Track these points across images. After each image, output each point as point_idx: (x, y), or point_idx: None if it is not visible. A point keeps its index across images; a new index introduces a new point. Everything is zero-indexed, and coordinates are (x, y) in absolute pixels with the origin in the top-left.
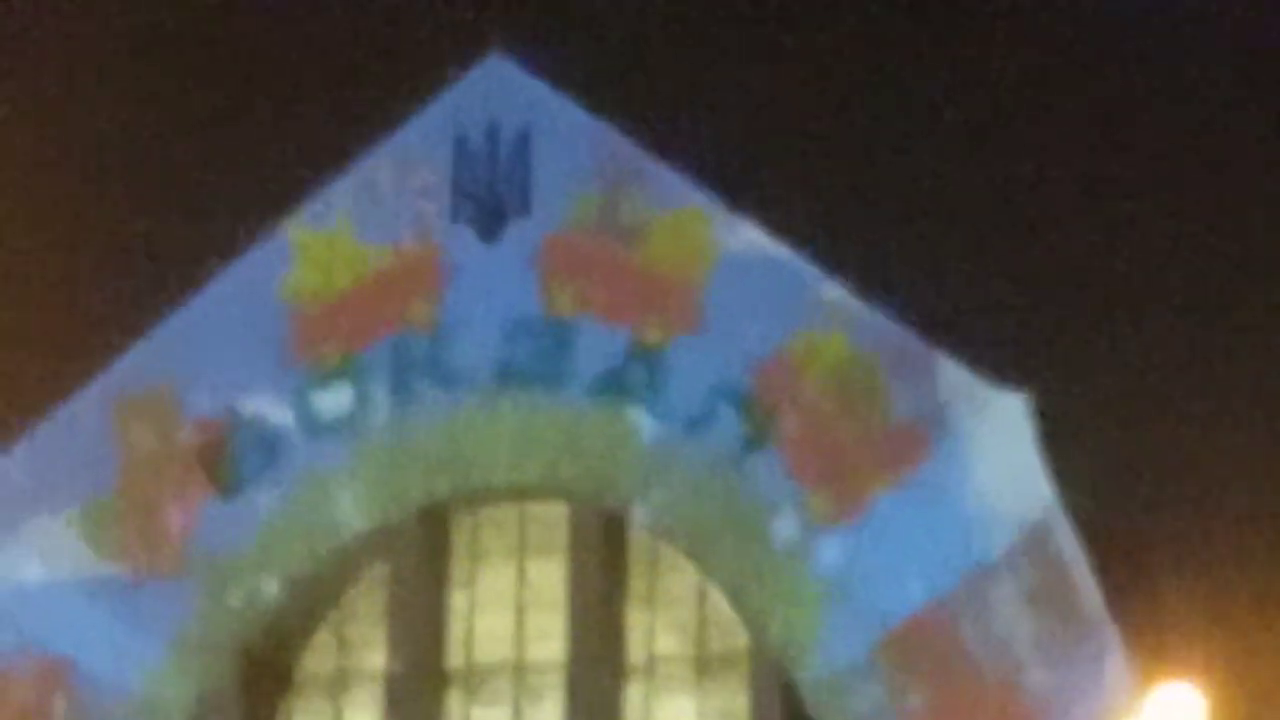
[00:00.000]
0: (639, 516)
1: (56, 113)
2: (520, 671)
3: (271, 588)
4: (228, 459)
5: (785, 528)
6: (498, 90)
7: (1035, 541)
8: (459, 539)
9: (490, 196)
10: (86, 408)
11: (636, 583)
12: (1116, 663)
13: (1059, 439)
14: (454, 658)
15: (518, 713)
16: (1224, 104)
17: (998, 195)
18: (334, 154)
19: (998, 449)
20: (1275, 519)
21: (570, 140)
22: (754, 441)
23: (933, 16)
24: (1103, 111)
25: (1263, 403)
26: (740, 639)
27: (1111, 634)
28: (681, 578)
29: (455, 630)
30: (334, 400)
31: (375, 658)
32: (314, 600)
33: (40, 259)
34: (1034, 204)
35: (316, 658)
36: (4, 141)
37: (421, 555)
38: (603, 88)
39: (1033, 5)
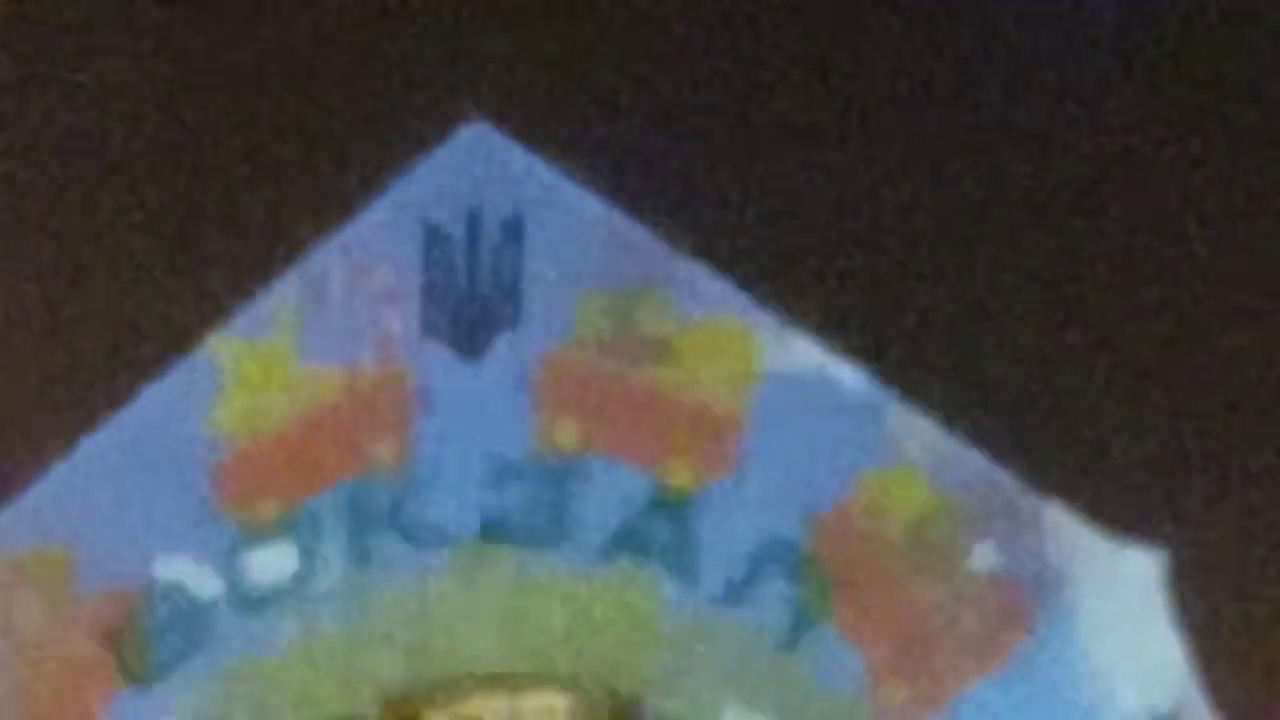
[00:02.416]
0: (663, 712)
1: None
2: None
3: None
4: (140, 641)
5: None
6: (479, 166)
7: None
8: None
9: (471, 303)
10: None
11: None
12: None
13: (1200, 609)
14: None
15: None
16: None
17: (1120, 302)
18: (273, 250)
19: (1121, 622)
20: None
21: (572, 229)
22: (809, 617)
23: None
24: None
25: None
26: None
27: None
28: None
29: None
30: (274, 564)
31: None
32: None
33: None
34: (1167, 320)
35: None
36: None
37: None
38: (613, 163)
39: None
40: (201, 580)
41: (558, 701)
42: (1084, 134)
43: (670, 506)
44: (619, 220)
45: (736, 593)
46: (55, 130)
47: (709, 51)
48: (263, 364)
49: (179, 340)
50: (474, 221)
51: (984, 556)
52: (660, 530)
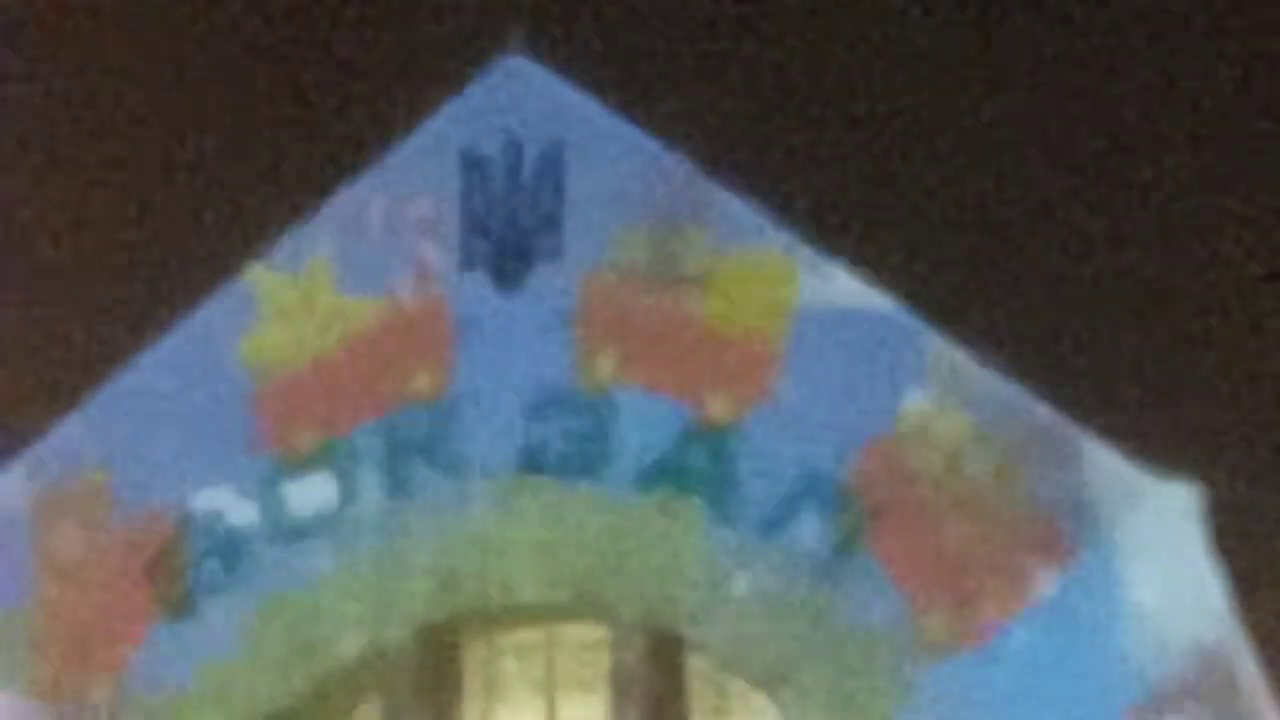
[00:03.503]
0: (700, 642)
1: None
2: None
3: None
4: (177, 569)
5: (886, 656)
6: (518, 97)
7: (1207, 672)
8: (471, 670)
9: (510, 233)
10: (7, 499)
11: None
12: None
13: (1238, 541)
14: None
15: None
16: None
17: (1165, 248)
18: (311, 181)
19: (1160, 556)
20: None
21: (612, 161)
22: (847, 547)
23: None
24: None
25: None
26: None
27: None
28: (755, 717)
29: None
30: (312, 494)
31: None
32: None
33: None
34: (1213, 264)
35: None
36: None
37: (423, 690)
38: (654, 94)
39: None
40: (239, 510)
41: (596, 633)
42: (1109, 78)
43: (708, 437)
44: (658, 152)
45: (774, 523)
46: (112, 75)
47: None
48: (301, 295)
49: (221, 272)
50: (513, 152)
51: (1022, 489)
52: (698, 461)
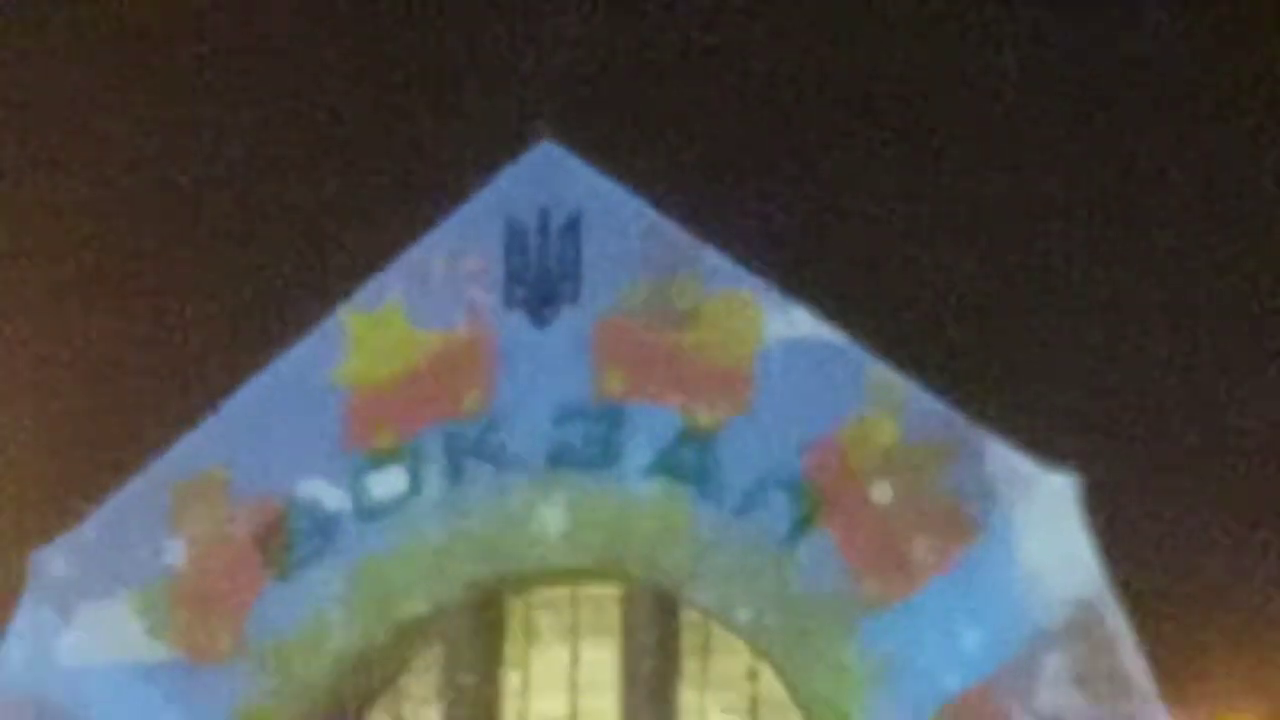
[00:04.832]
0: (691, 598)
1: (108, 199)
2: None
3: (328, 668)
4: (284, 542)
5: (836, 608)
6: (548, 176)
7: (1083, 620)
8: (512, 621)
9: (542, 282)
10: (142, 493)
11: (689, 663)
12: None
13: (1108, 516)
14: None
15: None
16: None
17: (1048, 282)
18: (386, 240)
19: (1046, 529)
20: None
21: (620, 225)
22: (805, 524)
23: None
24: (1141, 194)
25: None
26: (795, 718)
27: (1158, 709)
28: (734, 659)
29: (509, 711)
30: (388, 483)
31: None
32: (369, 682)
33: (90, 342)
34: (1081, 292)
35: None
36: (54, 247)
37: (475, 636)
38: (653, 172)
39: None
40: (332, 496)
41: (611, 590)
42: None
43: (697, 439)
44: (657, 219)
45: (748, 506)
46: (227, 143)
47: (734, 96)
48: (379, 329)
49: (317, 312)
50: (544, 218)
51: (940, 480)
52: (689, 457)
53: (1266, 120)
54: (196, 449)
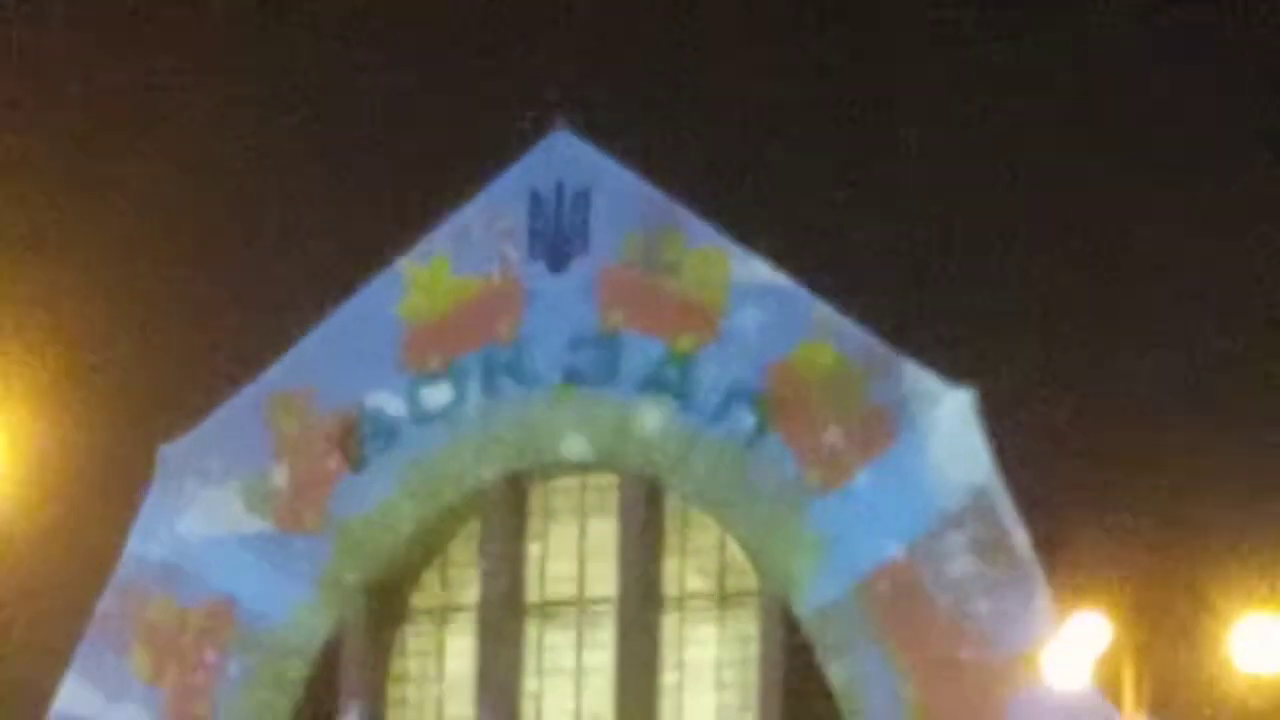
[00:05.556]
0: (674, 486)
1: (214, 173)
2: (582, 605)
3: (390, 540)
4: (356, 442)
5: (786, 495)
6: (563, 157)
7: (979, 504)
8: (535, 502)
9: (558, 239)
10: (247, 402)
11: (671, 536)
12: (1042, 598)
13: (1000, 423)
14: (531, 594)
15: (580, 638)
16: (1177, 119)
17: (959, 228)
18: (435, 206)
19: (950, 433)
20: (1165, 492)
21: (620, 195)
22: (763, 429)
23: (902, 75)
24: (1043, 131)
25: (1158, 390)
26: (752, 580)
27: (1038, 576)
28: (706, 532)
29: (532, 573)
30: (437, 396)
31: (470, 594)
32: (423, 549)
33: (210, 281)
34: (986, 235)
35: (425, 595)
36: (170, 192)
37: (506, 514)
38: (644, 151)
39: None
40: (393, 405)
41: (612, 479)
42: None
43: (678, 362)
44: (649, 192)
45: (719, 414)
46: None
47: (725, 85)
48: (430, 275)
49: (381, 262)
50: (559, 190)
51: (866, 394)
52: (672, 376)
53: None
54: (289, 368)
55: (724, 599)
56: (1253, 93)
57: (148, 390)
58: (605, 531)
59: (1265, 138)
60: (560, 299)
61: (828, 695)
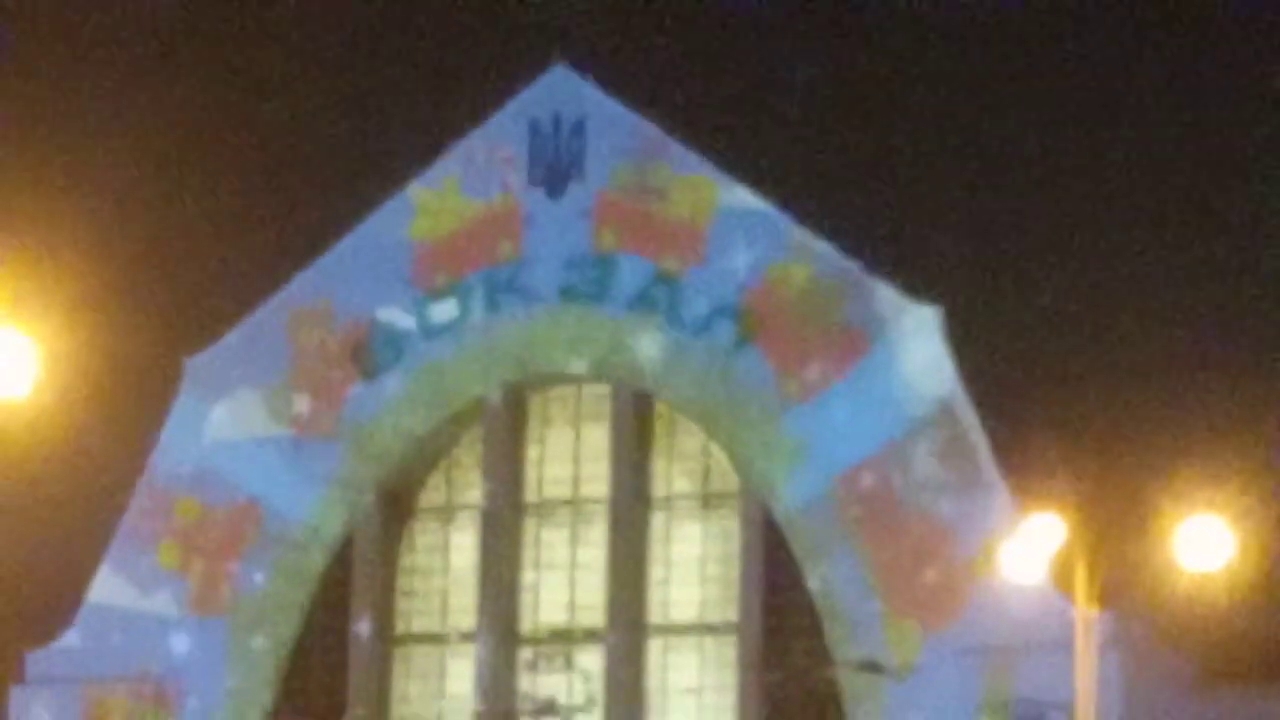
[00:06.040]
0: (662, 394)
1: (240, 104)
2: (577, 504)
3: (400, 444)
4: (368, 353)
5: (765, 404)
6: (561, 91)
7: (943, 414)
8: (534, 410)
9: (556, 166)
10: (267, 318)
11: (660, 441)
12: (1001, 500)
13: (964, 338)
14: (529, 494)
15: (574, 535)
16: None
17: (928, 156)
18: (443, 135)
19: (917, 348)
20: (1117, 403)
21: (614, 126)
22: (743, 342)
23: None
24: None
25: (1113, 307)
26: (734, 482)
27: (998, 480)
28: (691, 438)
29: (530, 474)
30: (444, 311)
31: (473, 494)
32: (430, 453)
33: (238, 203)
34: (954, 165)
35: (431, 495)
36: (198, 120)
37: (507, 421)
38: (637, 85)
39: None
40: (403, 320)
41: (604, 388)
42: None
43: (666, 280)
44: (641, 123)
45: (703, 328)
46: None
47: (715, 27)
48: (439, 199)
49: (393, 186)
50: (557, 121)
51: (840, 310)
52: (661, 293)
53: None
54: (307, 285)
55: (707, 499)
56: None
57: (175, 306)
58: (598, 437)
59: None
60: (557, 223)
61: (803, 587)
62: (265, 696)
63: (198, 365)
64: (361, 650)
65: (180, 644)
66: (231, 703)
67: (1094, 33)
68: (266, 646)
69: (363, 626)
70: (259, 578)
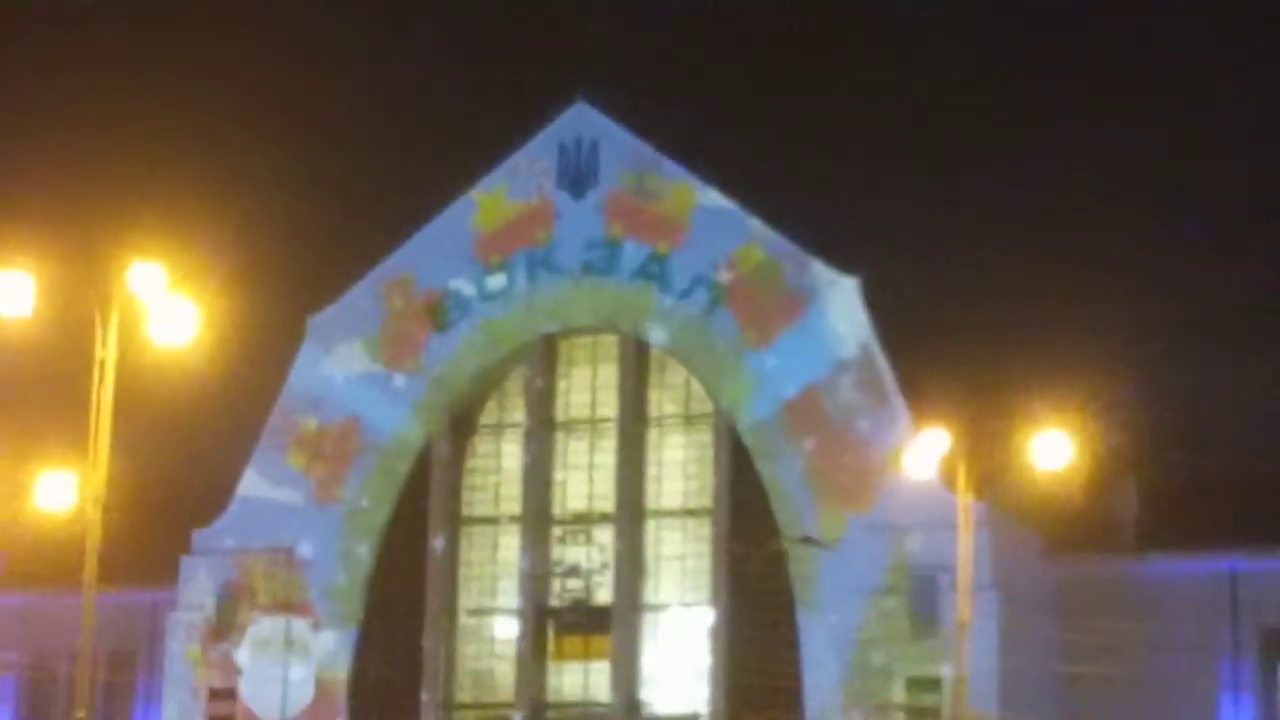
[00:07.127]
0: (655, 341)
1: (357, 111)
2: (594, 424)
3: (464, 378)
4: (441, 311)
5: (733, 348)
6: (582, 121)
7: (862, 357)
8: (562, 353)
9: (578, 175)
10: (367, 287)
11: (654, 376)
12: (903, 418)
13: (877, 301)
14: (560, 415)
15: (592, 444)
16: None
17: (854, 168)
18: (493, 154)
19: (842, 308)
20: (991, 349)
21: (620, 147)
22: (716, 303)
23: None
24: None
25: (996, 279)
26: (709, 406)
27: (901, 403)
28: (678, 374)
29: (560, 401)
30: (496, 282)
31: (518, 415)
32: (486, 385)
33: (347, 203)
34: (874, 171)
35: (488, 415)
36: (316, 115)
37: (542, 363)
38: (637, 116)
39: None
40: (466, 288)
41: (613, 338)
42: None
43: (659, 259)
44: (640, 144)
45: (686, 294)
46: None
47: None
48: (494, 200)
49: (460, 190)
50: (578, 142)
51: (787, 280)
52: (655, 268)
53: None
54: (396, 261)
55: (689, 419)
56: None
57: (301, 277)
58: (609, 374)
59: None
60: (579, 217)
61: (760, 483)
62: (366, 558)
63: (317, 322)
64: (437, 527)
65: (305, 525)
66: (341, 563)
67: (981, 20)
68: (366, 525)
69: (438, 512)
70: (360, 478)
